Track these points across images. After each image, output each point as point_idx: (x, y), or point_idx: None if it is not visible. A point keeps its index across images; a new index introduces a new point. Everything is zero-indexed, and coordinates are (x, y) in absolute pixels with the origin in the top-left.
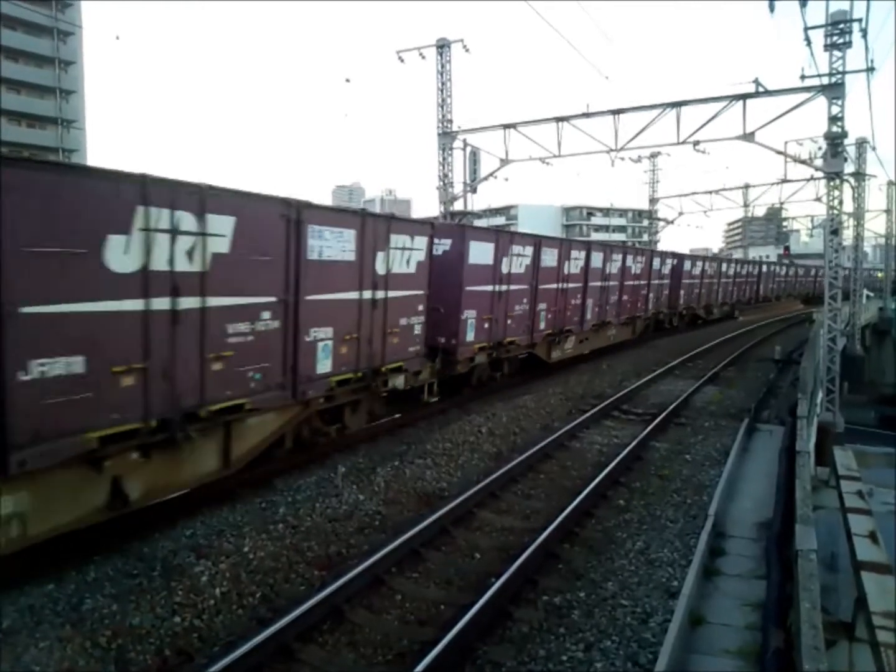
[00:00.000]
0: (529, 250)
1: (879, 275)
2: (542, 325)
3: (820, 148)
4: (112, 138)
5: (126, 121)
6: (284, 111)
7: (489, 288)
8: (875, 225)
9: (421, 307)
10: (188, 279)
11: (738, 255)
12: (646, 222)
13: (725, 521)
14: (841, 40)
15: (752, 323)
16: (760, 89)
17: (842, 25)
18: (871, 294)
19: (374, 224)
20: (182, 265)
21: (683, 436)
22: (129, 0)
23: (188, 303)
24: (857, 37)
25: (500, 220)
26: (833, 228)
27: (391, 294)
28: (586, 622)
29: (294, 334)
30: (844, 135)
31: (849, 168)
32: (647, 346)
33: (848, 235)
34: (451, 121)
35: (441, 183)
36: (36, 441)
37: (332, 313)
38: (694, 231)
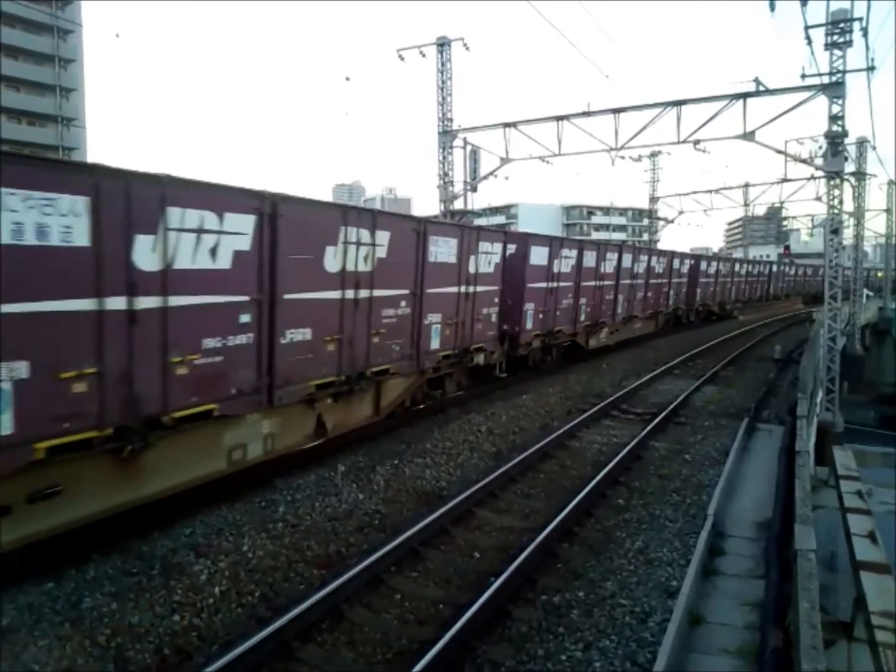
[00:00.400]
0: (574, 252)
1: (879, 274)
2: (583, 318)
3: (820, 147)
4: (112, 136)
5: (126, 119)
6: (285, 109)
7: (544, 285)
8: (875, 224)
9: (496, 300)
10: (364, 277)
11: (738, 254)
12: (646, 221)
13: (725, 520)
14: (841, 39)
15: (752, 322)
16: (761, 88)
17: (842, 24)
18: (872, 294)
19: (469, 234)
20: (361, 266)
21: (683, 435)
22: None
23: (363, 293)
24: (857, 36)
25: (500, 219)
26: (833, 228)
27: (479, 289)
28: (585, 621)
29: (419, 318)
30: (845, 134)
31: (849, 167)
32: (646, 346)
33: (848, 235)
34: (451, 119)
35: (441, 181)
36: (286, 384)
37: (442, 303)
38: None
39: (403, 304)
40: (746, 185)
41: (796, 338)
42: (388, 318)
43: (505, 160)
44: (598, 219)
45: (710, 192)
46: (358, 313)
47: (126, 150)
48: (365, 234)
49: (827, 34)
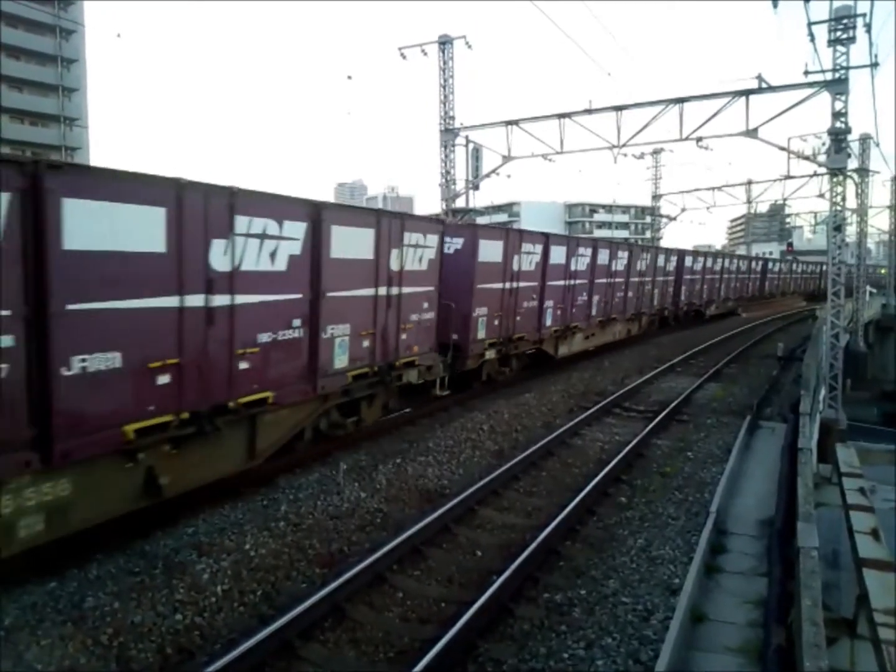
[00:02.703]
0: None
1: (882, 271)
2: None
3: (823, 144)
4: (115, 136)
5: (129, 118)
6: (287, 108)
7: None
8: (879, 221)
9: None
10: (417, 276)
11: (741, 251)
12: (649, 219)
13: (727, 518)
14: (845, 36)
15: (755, 320)
16: (763, 85)
17: (845, 21)
18: (875, 291)
19: (512, 236)
20: (415, 266)
21: (685, 433)
22: None
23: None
24: (860, 32)
25: (502, 217)
26: (836, 225)
27: (521, 284)
28: (587, 620)
29: (468, 311)
30: (848, 131)
31: (852, 164)
32: (649, 344)
33: (851, 232)
34: (453, 117)
35: (443, 180)
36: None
37: (489, 298)
38: (697, 227)
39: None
40: (749, 183)
41: (799, 335)
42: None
43: (507, 158)
44: (600, 216)
45: (713, 189)
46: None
47: (129, 149)
48: (418, 238)
49: (830, 31)
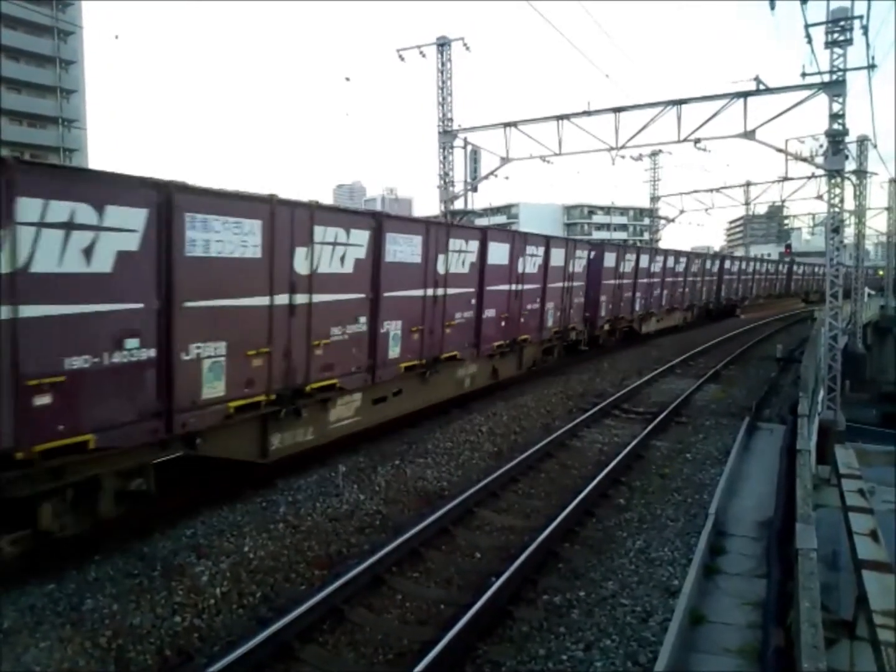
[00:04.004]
0: (633, 256)
1: (881, 273)
2: (638, 308)
3: (821, 145)
4: (113, 137)
5: (127, 120)
6: (285, 110)
7: (613, 282)
8: (877, 223)
9: (582, 293)
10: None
11: (739, 252)
12: (647, 220)
13: (726, 519)
14: (842, 37)
15: (754, 321)
16: (761, 87)
17: (843, 23)
18: (873, 292)
19: (568, 245)
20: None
21: (684, 434)
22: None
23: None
24: (857, 34)
25: (500, 219)
26: (834, 226)
27: (575, 284)
28: (586, 621)
29: (542, 305)
30: (845, 132)
31: (850, 166)
32: (649, 345)
33: (849, 233)
34: (451, 119)
35: (442, 182)
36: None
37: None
38: (695, 229)
39: (537, 297)
40: (747, 184)
41: (798, 336)
42: (531, 306)
43: (505, 160)
44: (599, 218)
45: (711, 190)
46: (516, 301)
47: (127, 151)
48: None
49: (827, 32)
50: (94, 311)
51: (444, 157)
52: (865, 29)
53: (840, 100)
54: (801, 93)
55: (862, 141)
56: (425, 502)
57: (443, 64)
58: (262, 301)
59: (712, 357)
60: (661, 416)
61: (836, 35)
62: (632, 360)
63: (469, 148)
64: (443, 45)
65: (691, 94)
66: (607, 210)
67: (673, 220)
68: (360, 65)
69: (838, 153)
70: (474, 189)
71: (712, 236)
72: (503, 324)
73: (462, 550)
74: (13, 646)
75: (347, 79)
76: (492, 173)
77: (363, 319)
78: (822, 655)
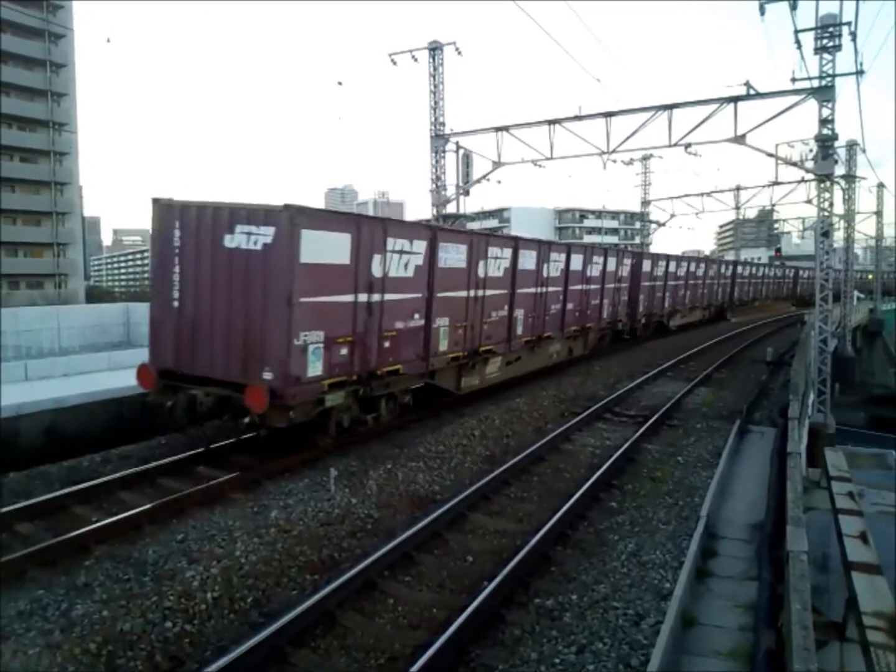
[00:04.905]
0: (664, 263)
1: (870, 276)
2: (667, 305)
3: (811, 150)
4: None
5: (118, 123)
6: (277, 113)
7: (650, 283)
8: (865, 227)
9: (626, 293)
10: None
11: (729, 256)
12: (638, 224)
13: (717, 522)
14: (831, 43)
15: (744, 325)
16: (751, 92)
17: (831, 28)
18: (862, 296)
19: (619, 254)
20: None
21: (675, 438)
22: (122, 0)
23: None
24: (846, 40)
25: (492, 223)
26: (824, 230)
27: (622, 285)
28: (578, 624)
29: (601, 301)
30: (835, 137)
31: (839, 170)
32: (640, 348)
33: (839, 237)
34: (443, 123)
35: (434, 185)
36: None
37: (609, 294)
38: (686, 233)
39: (599, 295)
40: (738, 188)
41: (788, 340)
42: (593, 302)
43: (497, 164)
44: (590, 222)
45: (702, 195)
46: (585, 298)
47: (117, 154)
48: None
49: (816, 38)
50: (406, 298)
51: (437, 161)
52: (854, 35)
53: (829, 105)
54: (791, 98)
55: (851, 146)
56: (417, 506)
57: (435, 68)
58: (463, 293)
59: (702, 361)
60: (653, 419)
61: (825, 41)
62: (623, 364)
63: (461, 152)
64: (435, 49)
65: (682, 98)
66: (598, 214)
67: (664, 224)
68: (353, 69)
69: (828, 158)
70: (466, 193)
71: (703, 240)
72: (577, 314)
73: (454, 554)
74: (1, 653)
75: (340, 83)
76: (484, 177)
77: (504, 308)
78: (812, 657)
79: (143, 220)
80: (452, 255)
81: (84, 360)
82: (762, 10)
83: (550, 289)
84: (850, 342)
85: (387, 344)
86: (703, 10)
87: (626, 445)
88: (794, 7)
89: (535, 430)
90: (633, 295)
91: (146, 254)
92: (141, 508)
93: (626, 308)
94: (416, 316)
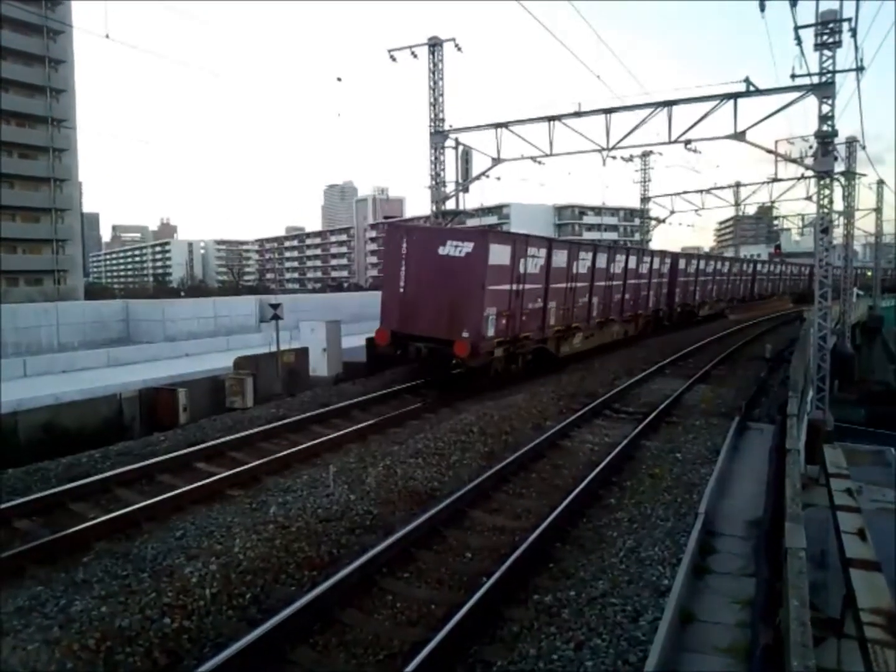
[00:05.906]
0: (695, 261)
1: (869, 273)
2: (697, 298)
3: (810, 147)
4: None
5: (116, 119)
6: (276, 109)
7: (683, 279)
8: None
9: (666, 286)
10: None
11: (729, 253)
12: (637, 221)
13: (716, 519)
14: (831, 40)
15: (743, 322)
16: (751, 88)
17: (831, 25)
18: (862, 292)
19: (663, 254)
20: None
21: (674, 434)
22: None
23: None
24: (846, 36)
25: (492, 220)
26: (823, 227)
27: (664, 280)
28: (577, 621)
29: (648, 293)
30: (834, 134)
31: (839, 167)
32: (639, 346)
33: (838, 234)
34: (443, 120)
35: (433, 182)
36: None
37: (654, 287)
38: (685, 230)
39: (647, 288)
40: (737, 185)
41: (787, 337)
42: (643, 293)
43: (497, 160)
44: (589, 219)
45: (702, 191)
46: (636, 290)
47: (116, 150)
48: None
49: (816, 34)
50: (535, 287)
51: (436, 158)
52: (854, 31)
53: (829, 101)
54: (791, 94)
55: (851, 142)
56: (416, 502)
57: (434, 64)
58: (564, 285)
59: (701, 358)
60: (652, 416)
61: (825, 37)
62: (623, 361)
63: (460, 148)
64: (434, 45)
65: (682, 95)
66: (598, 211)
67: (663, 221)
68: (352, 65)
69: (827, 154)
70: (465, 189)
71: (702, 237)
72: (632, 303)
73: (453, 551)
74: (1, 648)
75: (339, 79)
76: (483, 174)
77: (586, 297)
78: (810, 653)
79: (142, 217)
80: (559, 259)
81: (83, 356)
82: (762, 7)
83: (614, 283)
84: (849, 339)
85: (524, 318)
86: (702, 6)
87: (624, 442)
88: (794, 3)
89: (534, 427)
90: (671, 289)
91: (145, 251)
92: (139, 505)
93: (666, 299)
94: (539, 300)
